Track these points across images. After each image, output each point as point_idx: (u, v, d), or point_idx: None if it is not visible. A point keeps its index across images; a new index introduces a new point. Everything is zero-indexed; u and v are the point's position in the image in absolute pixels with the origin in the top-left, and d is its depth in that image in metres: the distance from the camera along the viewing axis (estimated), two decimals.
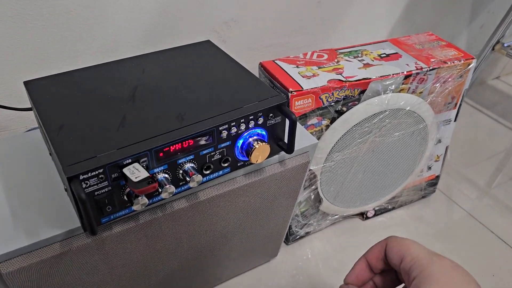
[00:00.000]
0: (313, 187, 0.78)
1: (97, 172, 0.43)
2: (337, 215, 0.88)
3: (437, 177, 0.96)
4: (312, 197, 0.80)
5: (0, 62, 0.63)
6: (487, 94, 1.43)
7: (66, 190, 0.50)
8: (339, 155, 0.75)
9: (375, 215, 0.93)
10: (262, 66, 0.74)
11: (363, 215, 0.92)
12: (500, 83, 1.50)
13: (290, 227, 0.83)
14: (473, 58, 0.79)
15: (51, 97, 0.52)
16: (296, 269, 0.82)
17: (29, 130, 0.71)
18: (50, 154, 0.55)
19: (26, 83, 0.55)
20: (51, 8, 0.62)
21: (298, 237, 0.86)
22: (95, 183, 0.44)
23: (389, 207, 0.94)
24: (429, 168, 0.92)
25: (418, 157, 0.86)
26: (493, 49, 1.15)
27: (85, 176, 0.42)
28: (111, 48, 0.70)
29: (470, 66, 0.79)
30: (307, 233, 0.87)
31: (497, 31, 1.14)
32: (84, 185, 0.43)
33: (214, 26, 0.78)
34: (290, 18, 0.86)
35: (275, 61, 0.75)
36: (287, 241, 0.86)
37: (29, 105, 0.67)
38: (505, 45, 1.14)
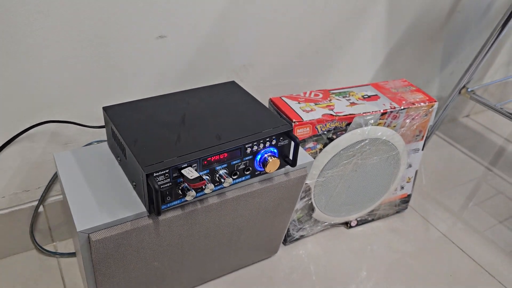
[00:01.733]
0: (308, 197, 0.98)
1: (164, 172, 0.63)
2: (326, 222, 1.08)
3: (409, 195, 1.17)
4: (307, 206, 1.00)
5: (76, 92, 0.84)
6: (458, 130, 1.66)
7: (134, 185, 0.70)
8: (329, 173, 0.96)
9: (357, 224, 1.13)
10: (271, 101, 0.95)
11: (347, 224, 1.13)
12: (469, 121, 1.73)
13: (288, 230, 1.03)
14: (435, 101, 1.01)
15: (125, 119, 0.73)
16: (292, 265, 1.02)
17: (87, 145, 0.91)
18: (119, 160, 0.75)
19: (105, 108, 0.76)
20: (118, 55, 0.83)
21: (294, 239, 1.06)
22: (162, 179, 0.64)
23: (369, 218, 1.14)
24: (402, 187, 1.13)
25: (392, 178, 1.07)
26: (459, 92, 1.39)
27: (156, 174, 0.63)
28: (156, 84, 0.91)
29: (433, 107, 1.01)
30: (302, 236, 1.07)
31: (463, 77, 1.37)
32: (156, 180, 0.63)
33: (234, 68, 1.00)
34: (293, 63, 1.09)
35: (282, 97, 0.96)
36: (285, 241, 1.05)
37: (96, 124, 0.88)
38: (469, 89, 1.37)
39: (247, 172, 0.73)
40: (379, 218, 1.17)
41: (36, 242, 0.96)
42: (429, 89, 1.50)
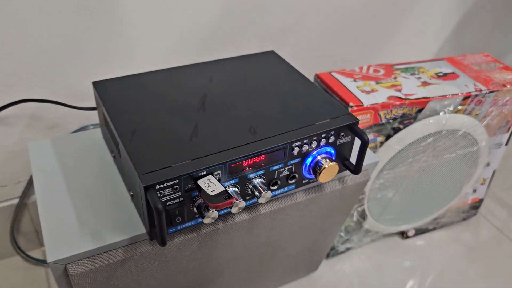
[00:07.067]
0: (360, 203, 0.77)
1: (172, 183, 0.43)
2: (378, 232, 0.86)
3: (481, 200, 0.94)
4: (357, 213, 0.79)
5: (64, 60, 0.63)
6: None
7: (132, 195, 0.50)
8: (390, 173, 0.74)
9: (415, 234, 0.91)
10: (318, 77, 0.73)
11: (403, 234, 0.91)
12: None
13: None
14: None
15: (122, 99, 0.52)
16: (335, 283, 0.81)
17: (79, 130, 0.71)
18: (114, 156, 0.55)
19: (95, 84, 0.54)
20: (118, 8, 0.62)
21: (338, 252, 0.85)
22: (168, 193, 0.43)
23: (430, 227, 0.92)
24: (474, 190, 0.90)
25: (467, 179, 0.84)
26: None
27: (161, 186, 0.42)
28: (170, 52, 0.70)
29: None
30: (347, 249, 0.86)
31: None
32: (158, 195, 0.42)
33: (270, 34, 0.77)
34: (343, 30, 0.85)
35: (332, 73, 0.74)
36: (327, 256, 0.85)
37: (88, 104, 0.67)
38: None
39: (292, 181, 0.52)
40: (441, 227, 0.94)
41: (19, 247, 0.78)
42: None
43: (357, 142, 0.52)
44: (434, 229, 0.93)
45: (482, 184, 0.90)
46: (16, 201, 0.73)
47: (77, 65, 0.64)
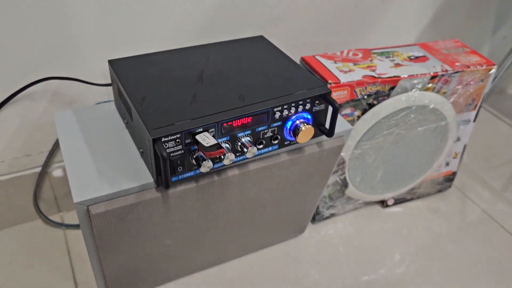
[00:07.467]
0: (341, 172, 0.87)
1: (175, 137, 0.53)
2: (360, 200, 0.96)
3: (454, 173, 1.04)
4: (340, 181, 0.89)
5: (82, 44, 0.73)
6: (506, 103, 1.50)
7: (141, 152, 0.60)
8: (367, 144, 0.84)
9: (394, 203, 1.02)
10: (303, 60, 0.83)
11: (383, 203, 1.01)
12: None
13: (317, 207, 0.92)
14: (494, 65, 0.87)
15: (133, 74, 0.62)
16: (320, 245, 0.91)
17: (98, 104, 0.81)
18: (126, 123, 0.65)
19: (110, 62, 0.65)
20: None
21: (324, 217, 0.95)
22: (172, 145, 0.53)
23: (408, 197, 1.02)
24: (447, 164, 1.00)
25: (438, 152, 0.94)
26: None
27: (165, 139, 0.52)
28: (173, 36, 0.80)
29: (491, 72, 0.87)
30: (332, 215, 0.96)
31: None
32: (164, 146, 0.53)
33: (262, 23, 0.87)
34: (328, 19, 0.95)
35: (316, 56, 0.84)
36: (313, 220, 0.95)
37: (104, 81, 0.78)
38: None
39: (275, 142, 0.62)
40: (418, 197, 1.04)
41: (41, 211, 0.88)
42: None
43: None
44: (411, 199, 1.03)
45: (454, 158, 1.00)
46: (38, 169, 0.84)
47: (94, 47, 0.74)
